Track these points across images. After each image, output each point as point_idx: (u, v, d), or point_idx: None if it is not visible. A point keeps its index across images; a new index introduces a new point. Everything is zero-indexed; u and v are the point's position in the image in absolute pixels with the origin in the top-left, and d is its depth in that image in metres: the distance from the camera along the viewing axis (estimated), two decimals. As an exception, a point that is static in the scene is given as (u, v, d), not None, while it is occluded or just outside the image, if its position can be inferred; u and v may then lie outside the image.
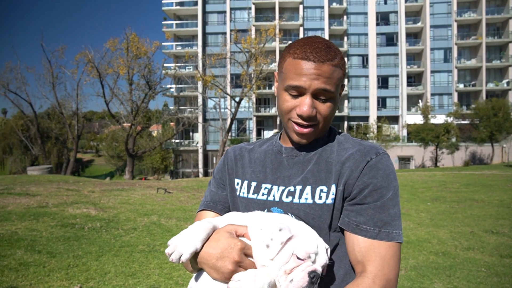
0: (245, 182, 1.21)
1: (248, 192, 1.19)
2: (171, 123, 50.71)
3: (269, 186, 1.16)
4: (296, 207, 1.09)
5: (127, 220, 7.17)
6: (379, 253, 1.01)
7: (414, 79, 48.59)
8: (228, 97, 41.31)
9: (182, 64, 46.17)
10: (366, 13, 47.75)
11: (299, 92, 1.08)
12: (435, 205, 10.34)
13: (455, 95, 45.82)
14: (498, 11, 45.71)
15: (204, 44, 47.55)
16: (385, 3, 48.04)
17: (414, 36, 48.64)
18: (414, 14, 48.34)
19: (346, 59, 47.65)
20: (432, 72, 46.07)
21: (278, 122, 46.14)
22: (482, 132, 36.51)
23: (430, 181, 17.02)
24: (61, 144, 43.63)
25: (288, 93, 1.10)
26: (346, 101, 47.65)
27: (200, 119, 45.02)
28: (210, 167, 46.41)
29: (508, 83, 44.47)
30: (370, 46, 47.75)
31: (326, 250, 0.97)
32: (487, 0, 45.46)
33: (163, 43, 46.23)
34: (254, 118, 46.58)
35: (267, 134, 47.07)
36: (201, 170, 45.99)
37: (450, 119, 39.13)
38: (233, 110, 39.67)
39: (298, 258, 0.91)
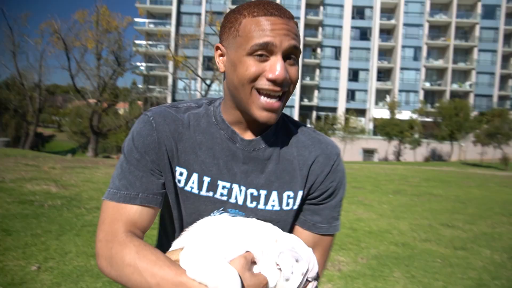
0: (194, 175, 0.98)
1: (199, 189, 0.98)
2: (139, 102, 49.63)
3: (227, 185, 0.99)
4: (261, 213, 1.00)
5: (90, 199, 6.96)
6: (324, 245, 1.06)
7: (384, 74, 49.65)
8: (199, 79, 40.77)
9: (154, 43, 45.06)
10: (342, 6, 48.15)
11: (268, 51, 0.89)
12: (396, 198, 10.67)
13: (421, 93, 47.25)
14: (467, 15, 47.24)
15: (178, 24, 46.58)
16: (362, -3, 48.67)
17: (387, 33, 49.56)
18: (388, 11, 49.17)
19: (319, 50, 48.03)
20: (401, 69, 47.24)
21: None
22: (443, 130, 37.95)
23: (393, 174, 17.54)
24: (20, 117, 41.78)
25: (252, 57, 0.89)
26: (316, 91, 48.14)
27: (169, 99, 44.33)
28: (176, 149, 45.99)
29: (470, 85, 46.25)
30: (344, 39, 48.31)
31: None
32: (458, 4, 46.81)
33: (136, 19, 44.91)
34: (224, 102, 46.38)
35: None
36: (167, 151, 45.52)
37: (415, 116, 40.44)
38: (203, 92, 39.27)
39: (307, 280, 0.90)
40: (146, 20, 47.30)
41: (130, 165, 0.95)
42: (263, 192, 1.00)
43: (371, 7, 48.34)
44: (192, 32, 39.31)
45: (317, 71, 48.20)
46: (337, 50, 48.68)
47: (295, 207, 1.03)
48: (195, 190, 0.98)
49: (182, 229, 1.00)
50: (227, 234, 0.88)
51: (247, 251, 0.85)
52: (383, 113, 43.09)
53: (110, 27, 34.13)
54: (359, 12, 48.82)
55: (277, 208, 1.01)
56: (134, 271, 0.82)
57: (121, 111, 57.07)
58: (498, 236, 6.72)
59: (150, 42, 45.66)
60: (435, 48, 48.25)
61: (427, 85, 47.42)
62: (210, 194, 0.99)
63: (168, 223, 1.08)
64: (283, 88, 0.91)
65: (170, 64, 42.15)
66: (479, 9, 46.10)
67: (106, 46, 34.74)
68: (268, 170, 1.00)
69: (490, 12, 46.73)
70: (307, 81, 47.88)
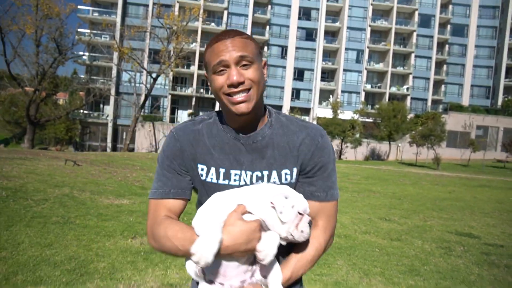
0: (212, 169, 1.27)
1: (217, 178, 1.27)
2: (81, 93, 47.46)
3: (238, 172, 1.27)
4: None
5: (36, 191, 6.77)
6: (326, 211, 1.30)
7: (328, 75, 51.22)
8: (145, 72, 39.80)
9: (98, 32, 43.24)
10: (289, 6, 48.98)
11: (224, 66, 1.19)
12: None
13: (363, 94, 49.32)
14: (406, 23, 49.98)
15: (124, 14, 45.03)
16: (309, -1, 49.84)
17: (331, 35, 51.13)
18: (333, 14, 50.77)
19: (266, 48, 48.60)
20: (344, 70, 48.95)
21: (193, 103, 45.62)
22: (382, 131, 39.76)
23: (335, 172, 18.28)
24: None
25: (216, 74, 1.21)
26: (262, 88, 48.70)
27: (113, 91, 42.84)
28: (119, 142, 44.44)
29: (407, 89, 49.03)
30: (290, 38, 49.20)
31: None
32: (398, 12, 49.42)
33: (79, 6, 42.87)
34: (169, 97, 45.56)
35: (181, 113, 46.36)
36: (109, 144, 43.88)
37: (356, 116, 42.01)
38: (148, 86, 38.37)
39: (299, 213, 1.14)
40: (91, 8, 45.28)
41: (163, 169, 1.30)
42: (265, 173, 1.27)
43: (317, 9, 49.64)
44: (139, 24, 38.25)
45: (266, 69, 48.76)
46: (284, 49, 49.53)
47: (293, 181, 1.29)
48: (214, 180, 1.28)
49: None
50: (224, 198, 1.18)
51: (239, 205, 1.14)
52: (326, 112, 44.44)
53: (51, 12, 32.28)
54: (305, 13, 49.94)
55: (278, 182, 1.27)
56: (167, 240, 1.15)
57: (61, 101, 54.29)
58: (429, 228, 7.40)
59: (94, 31, 43.77)
60: (376, 52, 50.56)
61: (368, 87, 49.60)
62: (226, 182, 1.27)
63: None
64: (243, 86, 1.19)
65: (115, 55, 40.78)
66: (416, 17, 48.95)
67: (47, 33, 32.89)
68: (268, 156, 1.27)
69: (426, 21, 49.72)
70: (254, 78, 48.32)
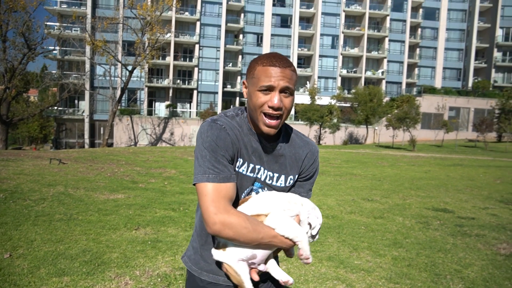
0: (246, 163, 1.51)
1: (247, 171, 1.52)
2: (53, 89, 46.44)
3: (261, 168, 1.54)
4: (272, 187, 1.57)
5: (32, 191, 6.94)
6: None
7: (304, 61, 51.67)
8: (119, 65, 39.30)
9: (69, 25, 42.29)
10: (264, -7, 48.97)
11: (269, 89, 1.41)
12: (321, 178, 11.74)
13: (339, 79, 50.07)
14: (379, 7, 50.74)
15: (94, 5, 44.02)
16: (282, -15, 49.86)
17: (306, 21, 51.45)
18: (308, 0, 51.03)
19: (241, 36, 48.61)
20: (320, 56, 49.46)
21: (170, 94, 45.33)
22: (359, 115, 40.42)
23: (316, 157, 18.77)
24: None
25: (261, 92, 1.41)
26: (239, 77, 48.84)
27: (88, 86, 42.09)
28: (97, 137, 43.89)
29: (382, 73, 50.00)
30: (265, 26, 49.29)
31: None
32: (371, -4, 50.08)
33: (47, -1, 41.65)
34: (146, 89, 45.12)
35: (159, 105, 46.06)
36: (87, 141, 43.31)
37: (333, 102, 42.57)
38: (124, 79, 37.92)
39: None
40: (59, 0, 44.10)
41: (218, 157, 1.41)
42: (275, 175, 1.57)
43: (291, -5, 49.85)
44: (111, 15, 37.55)
45: (240, 57, 48.84)
46: (259, 37, 49.59)
47: (292, 183, 1.62)
48: (245, 172, 1.51)
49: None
50: (283, 205, 1.44)
51: (297, 215, 1.45)
52: (304, 99, 44.93)
53: (16, 6, 31.27)
54: (279, 0, 50.10)
55: (283, 185, 1.59)
56: (249, 231, 1.33)
57: (32, 98, 52.97)
58: (408, 206, 7.94)
59: (64, 24, 42.70)
60: (350, 37, 51.23)
61: (344, 72, 50.34)
62: (251, 175, 1.53)
63: None
64: (279, 111, 1.42)
65: (87, 49, 40.03)
66: (389, 2, 49.75)
67: (13, 27, 31.99)
68: (280, 162, 1.58)
69: (398, 5, 50.60)
70: (230, 67, 48.34)
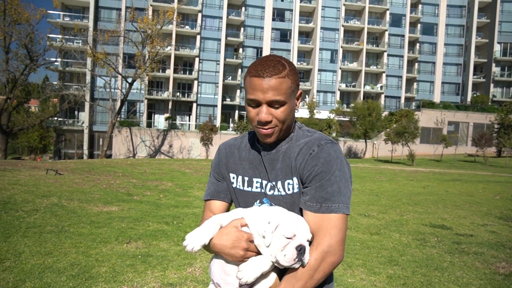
0: (239, 177, 1.47)
1: (243, 186, 1.46)
2: (54, 100, 46.56)
3: (259, 180, 1.43)
4: (276, 198, 1.40)
5: (25, 202, 6.86)
6: (322, 225, 1.27)
7: (303, 75, 51.92)
8: (120, 77, 39.45)
9: (70, 37, 42.57)
10: (263, 7, 49.49)
11: (257, 103, 1.32)
12: (319, 193, 11.63)
13: (338, 93, 50.27)
14: (378, 22, 51.24)
15: (96, 19, 44.48)
16: (282, 0, 50.36)
17: (306, 35, 51.92)
18: (307, 15, 51.59)
19: (241, 50, 48.92)
20: (319, 70, 49.78)
21: (170, 107, 45.42)
22: (358, 129, 40.48)
23: (314, 171, 18.67)
24: None
25: (250, 106, 1.35)
26: (238, 91, 49.02)
27: (88, 97, 42.25)
28: (96, 149, 43.85)
29: (381, 87, 50.23)
30: (265, 40, 49.74)
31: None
32: (369, 12, 50.61)
33: (50, 11, 42.05)
34: (146, 101, 45.27)
35: (158, 118, 46.15)
36: (86, 151, 43.23)
37: (332, 116, 42.66)
38: (124, 91, 38.02)
39: (286, 238, 1.21)
40: (61, 13, 44.51)
41: (210, 176, 1.59)
42: (273, 183, 1.40)
43: (291, 10, 50.36)
44: (112, 28, 37.88)
45: (239, 71, 49.12)
46: (259, 51, 49.94)
47: (295, 190, 1.36)
48: (241, 187, 1.47)
49: None
50: (238, 212, 1.37)
51: (242, 218, 1.31)
52: (303, 112, 45.02)
53: (20, 18, 31.68)
54: (279, 14, 50.56)
55: (283, 193, 1.39)
56: None
57: (32, 109, 53.08)
58: (405, 222, 7.84)
59: (66, 37, 43.07)
60: (349, 52, 51.63)
61: (343, 86, 50.58)
62: (249, 189, 1.45)
63: None
64: (269, 125, 1.33)
65: (88, 61, 40.23)
66: (387, 17, 50.30)
67: (16, 39, 32.25)
68: (276, 168, 1.41)
69: (397, 20, 51.12)
70: (229, 80, 48.56)
